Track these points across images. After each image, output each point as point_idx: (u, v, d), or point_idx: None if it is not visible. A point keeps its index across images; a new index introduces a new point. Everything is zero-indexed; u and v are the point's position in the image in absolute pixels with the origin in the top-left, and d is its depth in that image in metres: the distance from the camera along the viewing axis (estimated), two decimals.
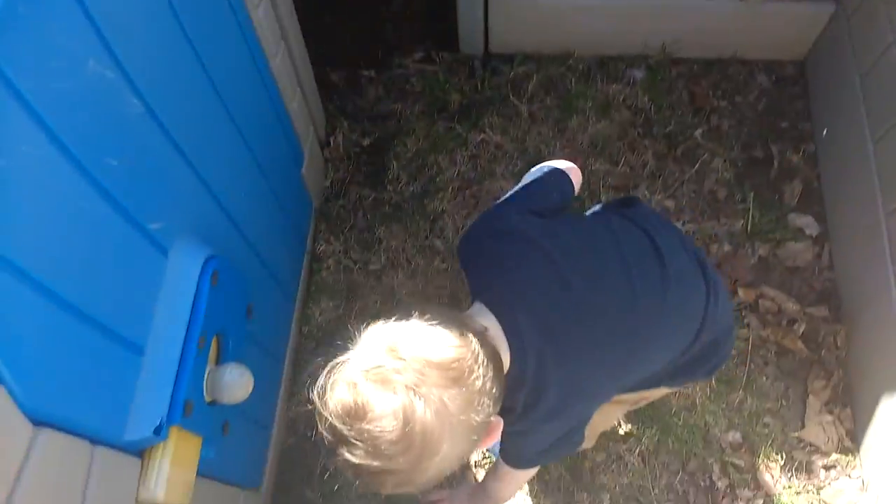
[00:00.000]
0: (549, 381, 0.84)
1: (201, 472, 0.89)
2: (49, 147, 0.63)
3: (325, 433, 0.72)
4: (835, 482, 1.36)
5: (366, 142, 1.76)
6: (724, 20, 1.67)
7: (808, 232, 1.57)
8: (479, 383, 0.71)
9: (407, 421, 0.68)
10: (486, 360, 0.74)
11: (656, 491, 1.37)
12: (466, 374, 0.71)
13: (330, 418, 0.71)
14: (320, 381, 0.73)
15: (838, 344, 1.45)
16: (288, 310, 1.47)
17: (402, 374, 0.69)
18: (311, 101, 1.56)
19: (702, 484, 1.38)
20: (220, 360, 0.96)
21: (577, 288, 0.86)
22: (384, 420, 0.68)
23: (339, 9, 1.93)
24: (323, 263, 1.61)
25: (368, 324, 0.76)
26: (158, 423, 0.78)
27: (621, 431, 1.41)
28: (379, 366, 0.70)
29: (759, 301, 1.50)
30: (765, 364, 1.46)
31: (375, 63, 1.86)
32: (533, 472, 1.09)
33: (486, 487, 1.17)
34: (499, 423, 0.78)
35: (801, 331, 1.47)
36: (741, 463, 1.38)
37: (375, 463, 0.69)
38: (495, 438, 0.80)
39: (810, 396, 1.42)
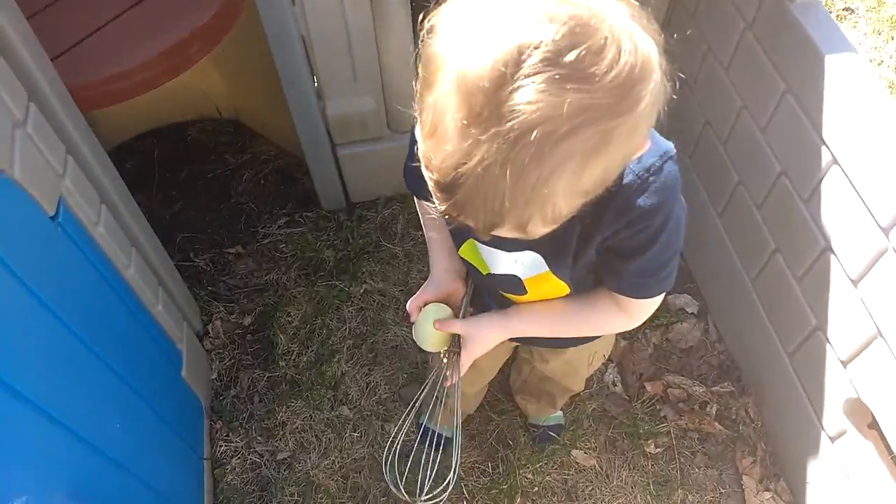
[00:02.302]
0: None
1: None
2: None
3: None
4: None
5: (247, 321, 1.68)
6: None
7: (689, 310, 1.63)
8: None
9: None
10: None
11: None
12: None
13: None
14: None
15: (751, 415, 1.48)
16: None
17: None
18: (179, 296, 1.49)
19: None
20: None
21: None
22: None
23: (191, 193, 1.90)
24: (227, 466, 1.48)
25: None
26: None
27: None
28: None
29: (668, 391, 1.53)
30: (692, 454, 1.47)
31: (239, 238, 1.82)
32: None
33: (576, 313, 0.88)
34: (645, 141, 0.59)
35: (714, 412, 1.50)
36: None
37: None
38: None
39: (744, 477, 1.42)
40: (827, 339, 1.18)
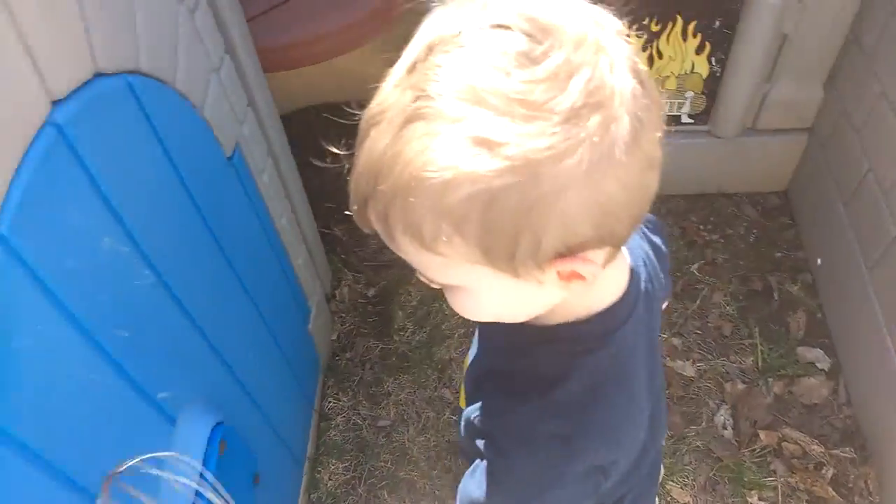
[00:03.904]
0: (604, 376, 0.59)
1: None
2: (62, 324, 0.64)
3: None
4: None
5: (370, 292, 1.77)
6: (703, 156, 1.74)
7: (819, 366, 1.54)
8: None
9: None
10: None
11: None
12: None
13: None
14: None
15: (870, 488, 1.37)
16: (297, 475, 1.41)
17: None
18: (317, 257, 1.60)
19: None
20: None
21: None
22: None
23: (340, 168, 2.02)
24: (332, 422, 1.57)
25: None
26: None
27: None
28: None
29: (783, 445, 1.45)
30: None
31: None
32: None
33: None
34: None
35: (829, 475, 1.40)
36: None
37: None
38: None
39: None
40: None
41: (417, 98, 0.44)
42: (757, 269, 1.73)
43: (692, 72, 1.58)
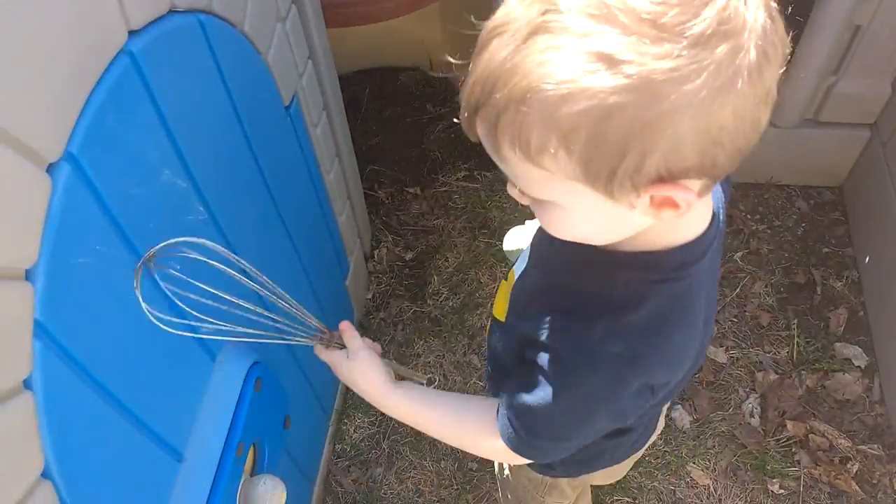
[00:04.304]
0: (675, 304, 0.60)
1: None
2: (120, 247, 0.66)
3: None
4: None
5: (408, 256, 1.79)
6: (759, 145, 1.71)
7: (856, 363, 1.52)
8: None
9: None
10: None
11: None
12: None
13: None
14: None
15: (895, 487, 1.36)
16: (323, 424, 1.45)
17: None
18: (360, 216, 1.62)
19: None
20: (254, 471, 0.94)
21: None
22: None
23: (388, 132, 2.03)
24: None
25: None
26: None
27: None
28: None
29: (810, 437, 1.44)
30: None
31: (420, 181, 1.93)
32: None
33: (419, 404, 0.80)
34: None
35: (854, 470, 1.39)
36: None
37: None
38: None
39: None
40: None
41: (546, 11, 0.44)
42: (802, 263, 1.70)
43: None
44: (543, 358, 0.62)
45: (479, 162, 1.93)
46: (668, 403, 0.93)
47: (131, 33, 0.63)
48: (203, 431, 0.85)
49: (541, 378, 0.63)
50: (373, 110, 2.10)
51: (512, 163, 0.51)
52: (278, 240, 1.09)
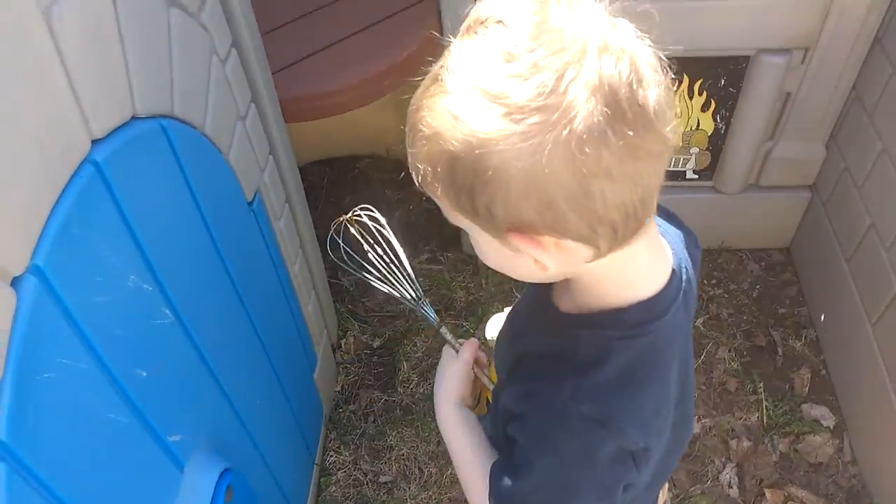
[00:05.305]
0: (645, 361, 0.62)
1: None
2: (86, 359, 0.64)
3: None
4: None
5: (376, 343, 1.77)
6: (708, 212, 1.77)
7: (824, 423, 1.53)
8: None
9: None
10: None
11: None
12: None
13: None
14: None
15: None
16: None
17: None
18: (325, 305, 1.60)
19: None
20: None
21: None
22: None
23: (350, 220, 2.05)
24: (332, 477, 1.54)
25: None
26: None
27: None
28: None
29: None
30: None
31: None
32: None
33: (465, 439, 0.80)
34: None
35: None
36: None
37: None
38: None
39: None
40: None
41: (442, 67, 0.52)
42: (761, 325, 1.74)
43: (697, 129, 1.62)
44: (517, 427, 0.63)
45: (441, 243, 1.95)
46: (665, 491, 0.91)
47: (94, 142, 0.63)
48: None
49: (517, 453, 0.63)
50: (332, 199, 2.12)
51: (430, 186, 0.56)
52: (245, 337, 1.07)
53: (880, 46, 1.42)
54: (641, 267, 0.60)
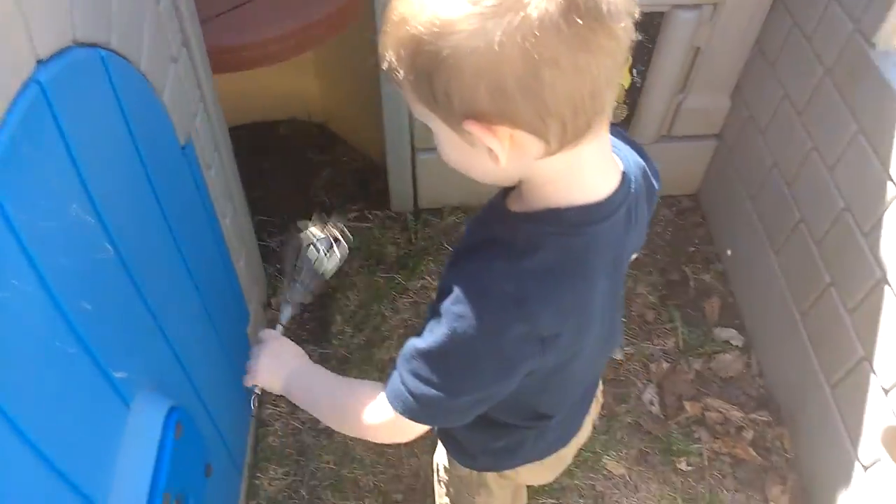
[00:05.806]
0: (582, 257, 0.66)
1: None
2: (35, 284, 0.64)
3: None
4: None
5: (307, 299, 1.78)
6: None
7: (734, 343, 1.68)
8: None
9: None
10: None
11: None
12: None
13: None
14: None
15: (785, 446, 1.51)
16: (236, 481, 1.39)
17: None
18: (254, 263, 1.60)
19: None
20: None
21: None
22: None
23: (272, 183, 2.03)
24: (270, 428, 1.56)
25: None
26: None
27: None
28: None
29: (706, 414, 1.56)
30: (722, 477, 1.49)
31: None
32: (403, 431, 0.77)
33: (319, 386, 0.89)
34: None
35: (749, 438, 1.53)
36: None
37: None
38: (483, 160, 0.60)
39: None
40: (872, 368, 1.22)
41: None
42: (674, 263, 1.86)
43: None
44: (443, 300, 0.65)
45: (368, 203, 1.97)
46: (590, 405, 0.98)
47: (40, 62, 0.62)
48: (125, 482, 0.80)
49: (432, 320, 0.66)
50: (253, 164, 2.09)
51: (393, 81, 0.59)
52: (182, 282, 1.07)
53: (782, 1, 1.54)
54: (588, 174, 0.64)
